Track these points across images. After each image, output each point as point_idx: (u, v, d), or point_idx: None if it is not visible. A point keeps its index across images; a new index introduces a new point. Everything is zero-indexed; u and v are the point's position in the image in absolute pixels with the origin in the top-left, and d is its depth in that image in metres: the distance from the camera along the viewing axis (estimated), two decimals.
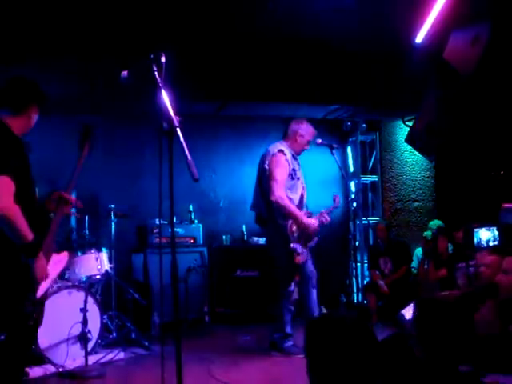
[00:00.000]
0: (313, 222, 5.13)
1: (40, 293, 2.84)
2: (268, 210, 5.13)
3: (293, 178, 5.13)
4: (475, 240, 5.49)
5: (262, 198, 5.17)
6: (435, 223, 7.12)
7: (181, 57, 5.50)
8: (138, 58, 2.63)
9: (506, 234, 5.34)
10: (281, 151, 5.11)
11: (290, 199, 5.07)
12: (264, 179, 5.16)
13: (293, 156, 5.21)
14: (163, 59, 2.53)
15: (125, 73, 2.67)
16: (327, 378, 1.61)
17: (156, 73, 2.53)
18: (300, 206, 5.19)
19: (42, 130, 3.21)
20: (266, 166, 5.14)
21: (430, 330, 1.94)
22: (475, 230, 5.48)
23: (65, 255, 3.12)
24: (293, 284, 5.15)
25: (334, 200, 5.56)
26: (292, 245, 4.97)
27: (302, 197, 5.23)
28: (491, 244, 5.48)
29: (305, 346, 1.75)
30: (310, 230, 5.08)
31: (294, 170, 5.14)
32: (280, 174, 5.04)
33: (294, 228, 5.02)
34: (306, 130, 5.28)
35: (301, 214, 5.07)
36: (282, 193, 5.00)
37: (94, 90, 6.16)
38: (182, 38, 5.84)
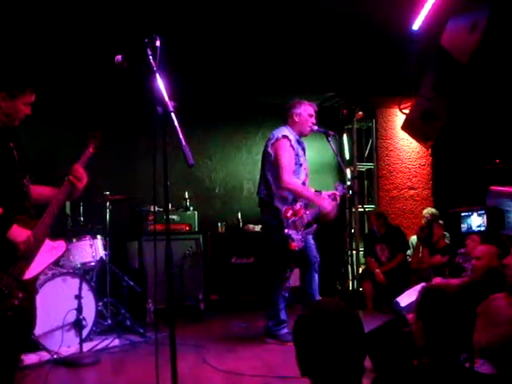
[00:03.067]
0: (328, 202, 5.10)
1: (28, 275, 2.84)
2: (268, 194, 5.11)
3: (296, 164, 5.12)
4: (466, 226, 5.46)
5: (264, 182, 5.16)
6: (428, 211, 7.13)
7: (175, 42, 5.46)
8: (132, 42, 2.58)
9: (491, 217, 5.32)
10: (285, 136, 5.09)
11: None
12: (267, 164, 5.14)
13: (297, 141, 5.19)
14: (158, 43, 2.49)
15: (119, 57, 2.62)
16: (313, 367, 1.61)
17: (151, 57, 2.50)
18: None
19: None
20: (270, 149, 5.12)
21: (433, 318, 1.92)
22: (463, 214, 5.42)
23: (62, 244, 3.10)
24: (288, 270, 5.14)
25: (336, 188, 5.48)
26: (286, 230, 4.94)
27: (303, 183, 5.21)
28: (482, 229, 5.44)
29: (292, 335, 1.75)
30: (325, 210, 5.04)
31: (297, 155, 5.12)
32: (287, 159, 5.03)
33: (290, 213, 4.99)
34: (300, 107, 5.23)
35: (314, 195, 5.08)
36: (291, 178, 5.00)
37: (88, 74, 6.12)
38: (177, 24, 5.79)
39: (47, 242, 2.99)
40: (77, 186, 3.09)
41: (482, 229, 5.47)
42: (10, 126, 3.02)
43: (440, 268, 6.05)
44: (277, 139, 5.09)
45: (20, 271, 2.81)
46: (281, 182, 4.99)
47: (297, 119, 5.21)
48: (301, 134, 5.25)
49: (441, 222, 6.67)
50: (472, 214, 5.49)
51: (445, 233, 6.63)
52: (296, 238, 4.96)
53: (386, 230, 7.00)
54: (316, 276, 5.18)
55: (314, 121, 5.26)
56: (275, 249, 5.11)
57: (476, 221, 5.50)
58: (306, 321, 1.67)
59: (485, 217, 5.40)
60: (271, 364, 4.41)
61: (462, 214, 5.41)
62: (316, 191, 5.38)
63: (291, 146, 5.08)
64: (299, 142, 5.22)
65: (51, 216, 2.99)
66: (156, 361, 2.62)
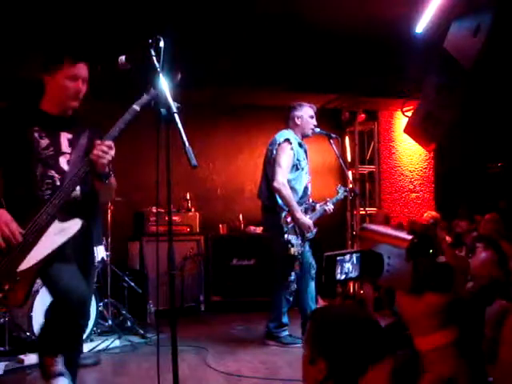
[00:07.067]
0: (307, 220, 5.06)
1: (25, 265, 2.68)
2: (269, 199, 5.10)
3: (297, 169, 5.10)
4: (340, 272, 4.99)
5: (266, 186, 5.16)
6: (428, 214, 7.11)
7: (177, 43, 5.45)
8: (136, 42, 2.58)
9: (365, 262, 4.77)
10: (287, 140, 5.08)
11: (295, 190, 5.05)
12: (269, 167, 5.14)
13: (299, 144, 5.18)
14: (162, 44, 2.48)
15: (122, 58, 2.62)
16: (337, 367, 1.58)
17: (154, 58, 2.49)
18: (304, 197, 5.17)
19: None
20: (273, 155, 5.11)
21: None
22: (338, 258, 4.94)
23: (74, 223, 2.82)
24: (293, 274, 5.11)
25: (338, 192, 5.48)
26: (286, 236, 4.94)
27: (306, 188, 5.19)
28: (351, 276, 5.06)
29: (307, 337, 1.72)
30: (302, 227, 5.03)
31: (298, 160, 5.11)
32: (285, 161, 5.02)
33: (289, 219, 4.99)
34: (301, 109, 5.23)
35: (297, 209, 5.01)
36: (285, 180, 4.99)
37: (92, 75, 6.10)
38: (179, 24, 5.77)
39: (55, 224, 2.76)
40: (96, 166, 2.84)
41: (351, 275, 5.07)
42: (69, 111, 2.99)
43: None
44: (279, 144, 5.09)
45: (13, 262, 2.68)
46: (275, 181, 4.98)
47: (298, 122, 5.21)
48: (303, 136, 5.25)
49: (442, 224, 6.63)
50: (350, 259, 5.01)
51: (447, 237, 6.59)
52: (295, 243, 4.96)
53: None
54: (312, 283, 5.14)
55: (315, 122, 5.27)
56: (278, 253, 5.12)
57: (352, 266, 5.11)
58: (325, 323, 1.65)
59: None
60: (272, 366, 4.41)
61: (338, 259, 4.97)
62: (313, 202, 5.34)
63: (291, 149, 5.08)
64: (301, 145, 5.21)
65: (59, 198, 2.75)
66: (157, 362, 2.61)
